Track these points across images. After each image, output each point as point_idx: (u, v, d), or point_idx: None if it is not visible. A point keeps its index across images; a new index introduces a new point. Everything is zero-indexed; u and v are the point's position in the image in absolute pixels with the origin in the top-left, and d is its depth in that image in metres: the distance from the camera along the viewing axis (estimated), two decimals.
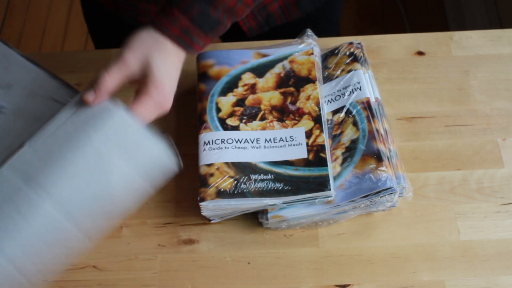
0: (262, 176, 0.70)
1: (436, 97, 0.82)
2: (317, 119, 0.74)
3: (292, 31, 0.84)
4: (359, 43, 0.81)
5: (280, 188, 0.69)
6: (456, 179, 0.76)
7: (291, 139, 0.72)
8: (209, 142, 0.73)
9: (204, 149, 0.73)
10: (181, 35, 0.64)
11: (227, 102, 0.76)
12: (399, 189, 0.70)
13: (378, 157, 0.71)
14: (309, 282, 0.70)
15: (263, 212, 0.71)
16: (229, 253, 0.72)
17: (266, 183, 0.69)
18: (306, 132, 0.73)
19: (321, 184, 0.69)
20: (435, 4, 2.02)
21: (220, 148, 0.72)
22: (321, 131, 0.73)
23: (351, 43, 0.81)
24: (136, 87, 0.64)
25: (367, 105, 0.75)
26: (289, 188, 0.69)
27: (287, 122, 0.74)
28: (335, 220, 0.72)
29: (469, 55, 0.86)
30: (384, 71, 0.85)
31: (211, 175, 0.70)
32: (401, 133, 0.80)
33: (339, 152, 0.73)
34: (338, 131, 0.74)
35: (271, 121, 0.74)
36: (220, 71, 0.79)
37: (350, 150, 0.72)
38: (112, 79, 0.62)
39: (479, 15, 1.77)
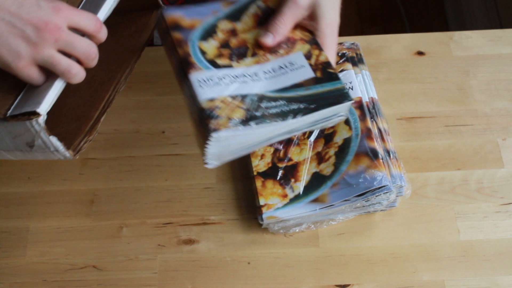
0: (273, 103, 0.63)
1: (436, 97, 0.82)
2: (312, 41, 0.69)
3: None
4: (352, 43, 0.81)
5: (297, 108, 0.62)
6: (456, 179, 0.76)
7: (291, 65, 0.67)
8: (204, 80, 0.65)
9: (201, 86, 0.64)
10: None
11: (210, 45, 0.69)
12: (396, 188, 0.70)
13: (371, 156, 0.70)
14: (309, 282, 0.70)
15: (260, 212, 0.71)
16: (229, 253, 0.72)
17: (281, 108, 0.63)
18: (305, 55, 0.68)
19: (341, 96, 0.63)
20: (435, 4, 2.02)
21: (219, 84, 0.64)
22: (320, 50, 0.68)
23: (341, 43, 0.80)
24: (304, 24, 0.69)
25: (359, 105, 0.75)
26: (307, 106, 0.62)
27: (280, 51, 0.69)
28: (334, 221, 0.72)
29: (469, 55, 0.86)
30: (384, 71, 0.85)
31: (217, 107, 0.61)
32: (401, 133, 0.80)
33: (332, 151, 0.73)
34: (331, 130, 0.74)
35: (264, 55, 0.68)
36: (193, 22, 0.72)
37: (343, 150, 0.72)
38: (288, 22, 0.68)
39: (479, 15, 1.77)
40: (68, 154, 0.62)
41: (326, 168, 0.71)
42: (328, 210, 0.70)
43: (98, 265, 0.72)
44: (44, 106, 0.59)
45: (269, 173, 0.73)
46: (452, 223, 0.73)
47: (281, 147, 0.74)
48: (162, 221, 0.74)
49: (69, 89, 0.63)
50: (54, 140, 0.60)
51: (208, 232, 0.73)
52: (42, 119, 0.59)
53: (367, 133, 0.72)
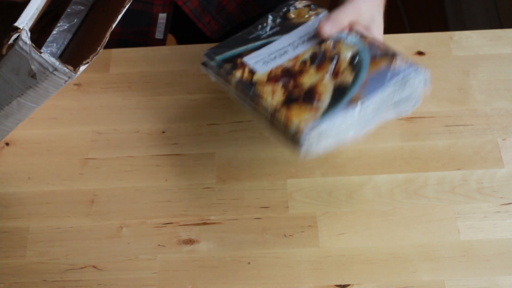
0: None
1: (436, 97, 0.82)
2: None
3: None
4: None
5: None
6: (456, 179, 0.76)
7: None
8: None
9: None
10: None
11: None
12: (422, 73, 0.68)
13: (390, 55, 0.68)
14: (309, 282, 0.70)
15: (298, 135, 0.64)
16: (229, 253, 0.72)
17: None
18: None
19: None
20: (435, 4, 2.02)
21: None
22: None
23: None
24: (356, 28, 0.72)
25: (351, 29, 0.72)
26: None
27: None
28: (369, 130, 0.68)
29: (469, 55, 0.86)
30: None
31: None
32: (401, 133, 0.80)
33: (344, 66, 0.69)
34: (333, 52, 0.71)
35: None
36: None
37: (354, 59, 0.69)
38: (346, 17, 0.71)
39: (479, 15, 1.77)
40: (67, 69, 0.57)
41: (345, 79, 0.68)
42: (367, 108, 0.65)
43: (98, 265, 0.72)
44: (22, 20, 0.55)
45: (290, 99, 0.68)
46: (452, 223, 0.73)
47: (289, 79, 0.71)
48: (162, 221, 0.74)
49: (85, 31, 0.62)
50: (46, 56, 0.56)
51: (208, 232, 0.73)
52: (25, 35, 0.54)
53: (374, 43, 0.70)
